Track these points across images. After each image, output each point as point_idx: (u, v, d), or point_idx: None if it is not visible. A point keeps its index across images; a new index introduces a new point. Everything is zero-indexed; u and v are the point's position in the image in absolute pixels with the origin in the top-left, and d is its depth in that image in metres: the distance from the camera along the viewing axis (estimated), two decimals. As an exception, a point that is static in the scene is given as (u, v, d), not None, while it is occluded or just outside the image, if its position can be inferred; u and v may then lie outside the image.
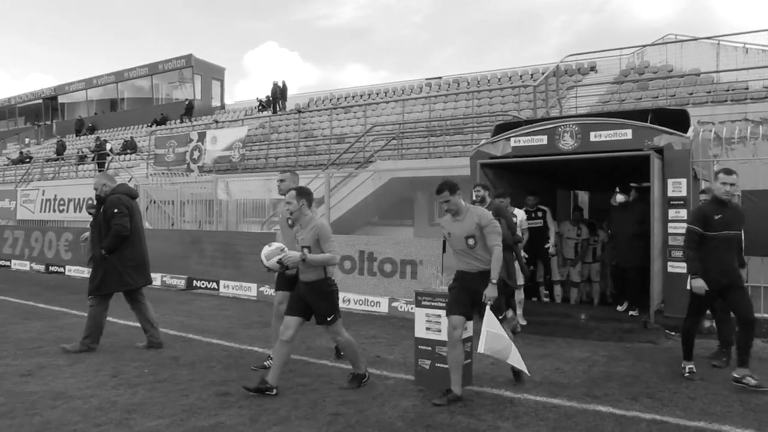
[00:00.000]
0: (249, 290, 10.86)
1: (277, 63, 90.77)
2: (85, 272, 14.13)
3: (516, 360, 5.11)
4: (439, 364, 5.30)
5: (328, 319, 5.18)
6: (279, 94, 26.03)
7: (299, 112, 20.25)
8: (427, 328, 5.39)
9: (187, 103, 30.41)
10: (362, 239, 10.78)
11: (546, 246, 9.26)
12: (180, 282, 12.01)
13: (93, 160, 22.89)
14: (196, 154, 18.85)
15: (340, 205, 13.62)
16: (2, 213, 19.18)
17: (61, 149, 29.85)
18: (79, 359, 6.30)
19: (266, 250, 5.38)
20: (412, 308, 8.93)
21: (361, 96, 25.21)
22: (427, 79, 24.39)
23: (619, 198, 8.54)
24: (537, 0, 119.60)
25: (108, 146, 24.40)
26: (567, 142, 8.53)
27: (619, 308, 8.66)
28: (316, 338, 7.26)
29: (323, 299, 5.19)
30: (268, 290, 10.63)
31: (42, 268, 15.16)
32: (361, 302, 9.59)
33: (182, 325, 8.19)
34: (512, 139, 9.00)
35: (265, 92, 32.34)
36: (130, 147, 24.90)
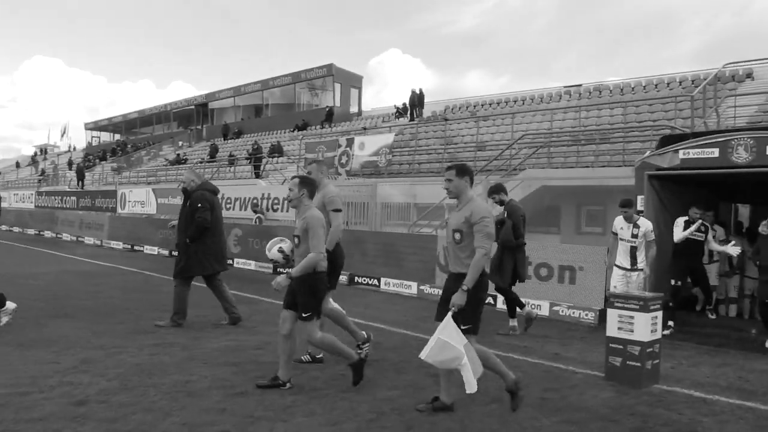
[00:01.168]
0: (410, 288, 11.66)
1: (400, 69, 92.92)
2: (252, 264, 15.67)
3: (466, 373, 4.48)
4: (630, 362, 5.71)
5: (304, 315, 5.16)
6: (417, 101, 26.96)
7: (446, 120, 20.97)
8: (619, 328, 5.80)
9: (327, 109, 32.20)
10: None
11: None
12: (342, 278, 13.05)
13: (250, 162, 24.87)
14: (344, 159, 20.08)
15: (488, 210, 14.15)
16: (177, 210, 21.38)
17: (213, 152, 32.57)
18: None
19: (269, 243, 5.72)
20: (573, 312, 9.38)
21: (498, 104, 25.60)
22: (565, 86, 24.37)
23: None
24: (670, 1, 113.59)
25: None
26: (740, 156, 8.55)
27: None
28: (494, 334, 7.88)
29: (305, 294, 5.16)
30: (429, 288, 11.39)
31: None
32: (520, 304, 10.06)
33: (364, 316, 9.08)
34: (681, 152, 9.12)
35: (395, 98, 33.50)
36: (276, 151, 26.80)
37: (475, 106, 26.26)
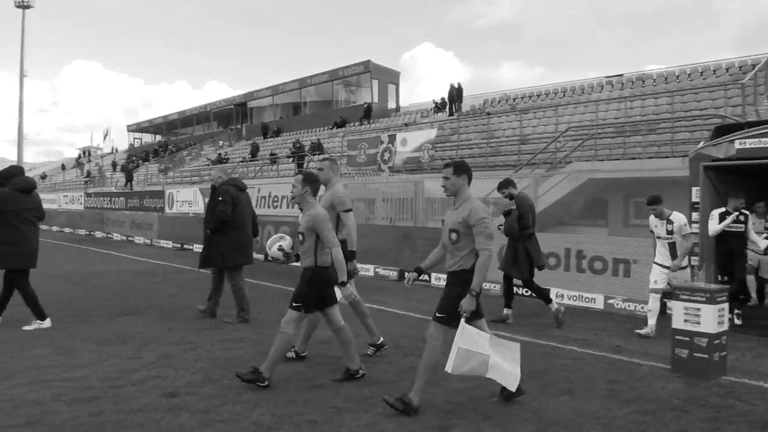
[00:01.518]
0: (461, 282, 11.77)
1: (434, 63, 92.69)
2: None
3: (499, 375, 4.52)
4: (696, 354, 5.76)
5: (294, 304, 5.30)
6: (455, 95, 26.98)
7: (488, 114, 20.98)
8: (685, 320, 5.86)
9: (365, 106, 32.41)
10: (568, 237, 11.29)
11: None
12: (392, 273, 13.25)
13: (293, 160, 25.25)
14: (386, 156, 20.27)
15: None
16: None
17: (255, 151, 33.13)
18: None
19: (269, 241, 5.78)
20: (629, 305, 9.40)
21: (538, 96, 25.45)
22: (607, 77, 24.10)
23: None
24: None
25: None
26: (799, 145, 8.46)
27: None
28: (551, 329, 7.98)
29: (304, 285, 5.31)
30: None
31: (261, 257, 17.20)
32: (575, 298, 10.11)
33: (420, 311, 9.24)
34: (736, 141, 9.04)
35: (430, 92, 33.47)
36: (317, 148, 27.14)
37: (514, 99, 26.15)
